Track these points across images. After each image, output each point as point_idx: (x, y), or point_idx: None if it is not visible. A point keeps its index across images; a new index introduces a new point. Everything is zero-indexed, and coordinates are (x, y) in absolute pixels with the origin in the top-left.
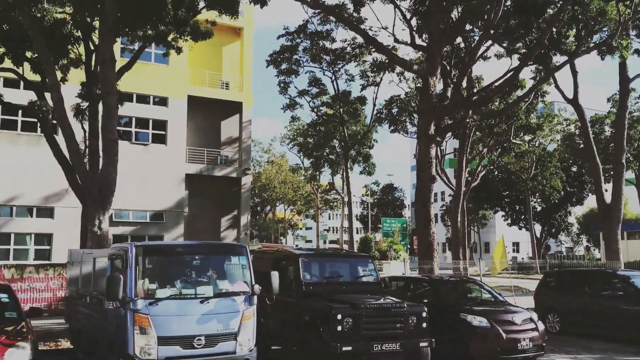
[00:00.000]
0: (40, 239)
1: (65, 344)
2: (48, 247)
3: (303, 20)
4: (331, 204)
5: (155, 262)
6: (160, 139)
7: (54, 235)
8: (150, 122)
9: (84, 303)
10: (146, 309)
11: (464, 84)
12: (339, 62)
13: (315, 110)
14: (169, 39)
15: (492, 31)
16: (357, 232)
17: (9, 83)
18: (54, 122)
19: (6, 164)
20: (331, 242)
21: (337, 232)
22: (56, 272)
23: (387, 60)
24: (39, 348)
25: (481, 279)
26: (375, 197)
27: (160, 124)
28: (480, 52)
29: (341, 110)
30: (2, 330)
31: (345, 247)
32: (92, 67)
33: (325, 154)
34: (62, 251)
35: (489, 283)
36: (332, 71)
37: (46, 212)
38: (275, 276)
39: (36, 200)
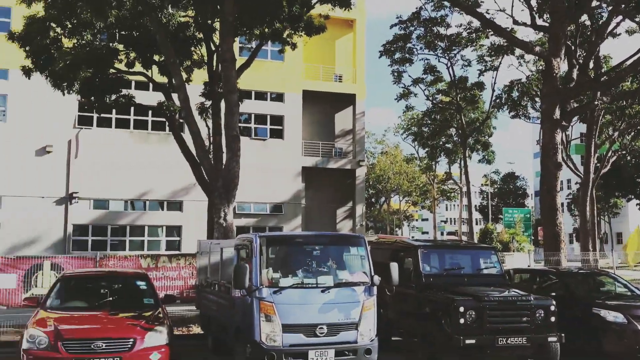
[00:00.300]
0: (170, 231)
1: (196, 329)
2: (178, 239)
3: (416, 8)
4: (448, 194)
5: (277, 252)
6: (278, 134)
7: (183, 227)
8: (268, 117)
9: (213, 291)
10: (271, 297)
11: (591, 64)
12: (454, 47)
13: (430, 98)
14: (284, 35)
15: (623, 5)
16: (477, 223)
17: (139, 86)
18: (181, 120)
19: (139, 162)
20: (449, 233)
21: (455, 224)
22: (187, 261)
23: (506, 44)
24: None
25: (614, 272)
26: (496, 186)
27: (277, 119)
28: (609, 29)
29: (458, 97)
30: (141, 315)
31: (464, 238)
32: (214, 67)
33: (441, 142)
34: (190, 242)
35: (624, 276)
36: (447, 57)
37: (175, 205)
38: (394, 267)
39: (166, 194)
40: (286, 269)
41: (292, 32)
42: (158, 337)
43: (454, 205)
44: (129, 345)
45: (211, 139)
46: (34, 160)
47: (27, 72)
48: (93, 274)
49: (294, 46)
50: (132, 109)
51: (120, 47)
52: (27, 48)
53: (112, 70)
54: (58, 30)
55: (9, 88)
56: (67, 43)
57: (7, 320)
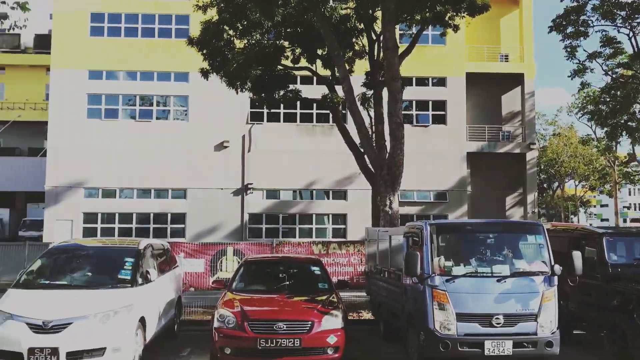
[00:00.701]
0: (335, 219)
1: (366, 315)
2: (343, 226)
3: None
4: (632, 177)
5: (448, 240)
6: (440, 119)
7: (348, 215)
8: (430, 103)
9: (382, 278)
10: (443, 286)
11: None
12: (637, 15)
13: (609, 73)
14: (446, 18)
15: None
16: None
17: (303, 80)
18: (343, 112)
19: (305, 153)
20: (633, 220)
21: None
22: (355, 248)
23: None
24: None
25: None
26: None
27: (440, 104)
28: None
29: None
30: (316, 299)
31: None
32: (375, 56)
33: (623, 121)
34: (355, 229)
35: None
36: (629, 27)
37: (340, 194)
38: (577, 256)
39: (331, 184)
40: (458, 257)
41: (454, 14)
42: (334, 321)
43: (639, 189)
44: (308, 328)
45: (373, 127)
46: (213, 155)
47: (204, 73)
48: (271, 259)
49: (456, 28)
50: (298, 103)
51: (286, 44)
52: (204, 51)
53: (279, 67)
54: (230, 32)
55: (190, 89)
56: (238, 44)
57: (197, 301)
